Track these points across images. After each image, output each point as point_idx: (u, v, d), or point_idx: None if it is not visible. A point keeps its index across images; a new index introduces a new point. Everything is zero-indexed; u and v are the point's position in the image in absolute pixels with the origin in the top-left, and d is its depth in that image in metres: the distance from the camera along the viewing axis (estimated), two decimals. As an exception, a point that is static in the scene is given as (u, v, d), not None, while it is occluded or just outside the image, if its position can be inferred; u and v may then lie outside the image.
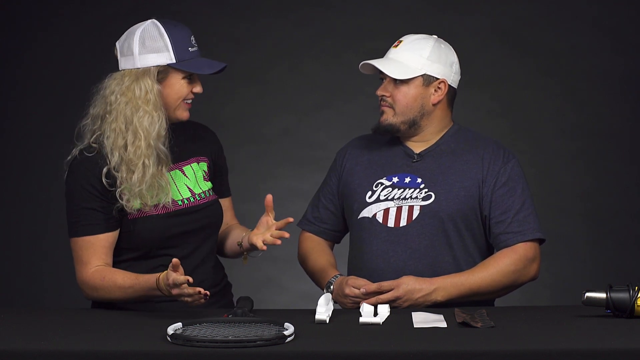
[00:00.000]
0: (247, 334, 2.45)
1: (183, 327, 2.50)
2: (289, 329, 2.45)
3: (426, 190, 3.14)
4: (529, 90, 5.54)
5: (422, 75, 3.15)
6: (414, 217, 3.12)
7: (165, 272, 2.80)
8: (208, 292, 2.77)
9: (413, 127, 3.18)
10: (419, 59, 3.15)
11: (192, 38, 3.00)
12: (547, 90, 5.53)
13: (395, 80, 3.15)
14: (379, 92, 3.18)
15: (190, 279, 2.74)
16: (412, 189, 3.16)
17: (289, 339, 2.42)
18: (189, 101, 3.02)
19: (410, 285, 3.00)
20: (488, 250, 3.19)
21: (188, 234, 3.03)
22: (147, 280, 2.86)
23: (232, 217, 3.25)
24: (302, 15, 5.58)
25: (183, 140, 3.09)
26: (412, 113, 3.16)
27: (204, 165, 3.13)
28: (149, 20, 2.99)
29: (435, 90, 3.17)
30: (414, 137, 3.21)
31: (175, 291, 2.77)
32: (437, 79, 3.16)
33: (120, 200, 2.93)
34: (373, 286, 3.00)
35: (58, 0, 5.56)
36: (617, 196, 5.49)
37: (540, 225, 3.14)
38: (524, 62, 5.52)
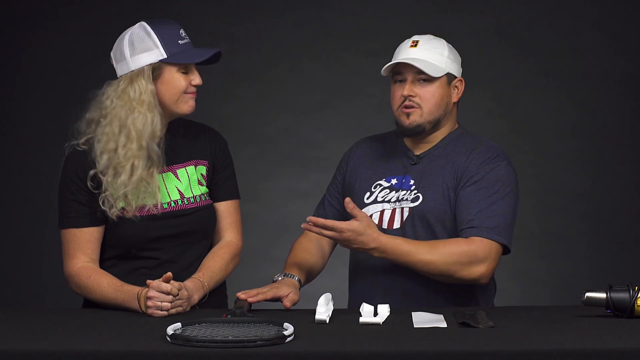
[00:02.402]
0: (247, 334, 2.45)
1: (182, 327, 2.50)
2: (289, 329, 2.45)
3: (415, 192, 3.13)
4: (529, 90, 5.54)
5: (446, 75, 3.14)
6: (404, 218, 3.12)
7: (147, 289, 2.83)
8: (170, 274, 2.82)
9: (436, 126, 3.16)
10: (441, 58, 3.13)
11: (182, 31, 2.99)
12: (547, 90, 5.53)
13: (421, 79, 3.11)
14: (406, 93, 3.11)
15: (173, 290, 2.80)
16: (405, 191, 3.15)
17: (288, 339, 2.42)
18: (191, 94, 3.01)
19: (359, 228, 2.93)
20: None
21: (171, 237, 3.03)
22: (130, 290, 2.89)
23: (229, 224, 3.15)
24: (302, 15, 5.58)
25: (183, 142, 3.09)
26: (438, 112, 3.14)
27: (202, 169, 3.11)
28: (137, 24, 3.00)
29: (454, 89, 3.17)
30: (426, 137, 3.17)
31: (151, 293, 2.80)
32: (455, 77, 3.16)
33: (102, 206, 2.95)
34: (328, 222, 2.94)
35: (58, 0, 5.56)
36: (617, 196, 5.49)
37: (509, 236, 3.03)
38: (524, 62, 5.52)
